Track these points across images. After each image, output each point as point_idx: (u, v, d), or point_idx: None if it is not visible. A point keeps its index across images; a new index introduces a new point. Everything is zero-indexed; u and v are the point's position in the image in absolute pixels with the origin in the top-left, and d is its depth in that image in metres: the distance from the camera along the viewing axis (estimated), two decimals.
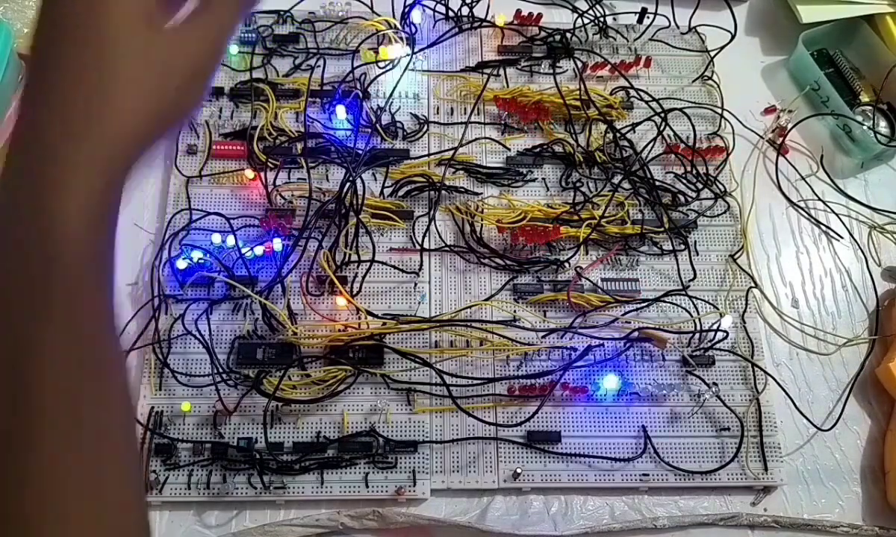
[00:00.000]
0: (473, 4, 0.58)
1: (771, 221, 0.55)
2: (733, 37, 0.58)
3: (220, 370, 0.46)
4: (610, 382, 0.47)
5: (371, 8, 0.58)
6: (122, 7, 0.27)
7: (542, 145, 0.55)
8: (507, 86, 0.57)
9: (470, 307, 0.49)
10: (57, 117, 0.26)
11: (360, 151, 0.53)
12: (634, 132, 0.56)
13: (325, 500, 0.44)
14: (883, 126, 0.58)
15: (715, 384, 0.48)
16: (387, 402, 0.46)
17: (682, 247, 0.52)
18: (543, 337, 0.49)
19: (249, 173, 0.52)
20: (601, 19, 0.59)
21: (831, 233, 0.55)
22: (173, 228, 0.50)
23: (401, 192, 0.53)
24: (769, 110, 0.59)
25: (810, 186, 0.56)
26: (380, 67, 0.56)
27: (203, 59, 0.29)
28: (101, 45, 0.27)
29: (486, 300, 0.50)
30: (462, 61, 0.58)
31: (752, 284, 0.52)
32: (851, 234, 0.55)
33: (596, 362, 0.48)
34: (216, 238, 0.50)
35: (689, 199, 0.54)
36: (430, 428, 0.46)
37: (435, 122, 0.55)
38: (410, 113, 0.56)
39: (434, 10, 0.59)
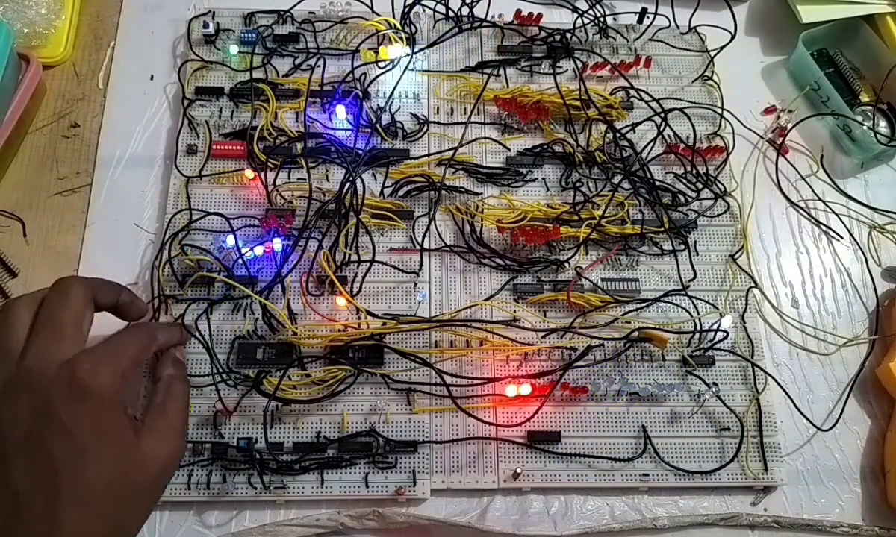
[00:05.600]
0: (473, 4, 0.58)
1: (771, 221, 0.55)
2: (733, 37, 0.58)
3: (220, 370, 0.46)
4: (610, 382, 0.47)
5: (371, 8, 0.58)
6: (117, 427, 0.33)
7: (542, 145, 0.55)
8: (507, 86, 0.57)
9: (470, 307, 0.49)
10: None
11: (360, 151, 0.53)
12: (634, 132, 0.56)
13: (325, 500, 0.44)
14: (883, 126, 0.58)
15: (715, 384, 0.48)
16: (387, 402, 0.46)
17: (682, 247, 0.52)
18: (543, 337, 0.49)
19: (249, 173, 0.52)
20: (601, 19, 0.59)
21: (831, 233, 0.55)
22: (173, 228, 0.50)
23: (401, 192, 0.53)
24: (769, 110, 0.59)
25: (810, 186, 0.56)
26: (380, 67, 0.56)
27: (168, 454, 0.36)
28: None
29: (486, 300, 0.50)
30: (462, 61, 0.58)
31: (752, 284, 0.52)
32: (851, 234, 0.55)
33: (596, 362, 0.48)
34: (216, 238, 0.50)
35: (689, 199, 0.54)
36: (430, 428, 0.46)
37: (435, 122, 0.55)
38: (410, 113, 0.56)
39: (434, 10, 0.59)
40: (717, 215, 0.54)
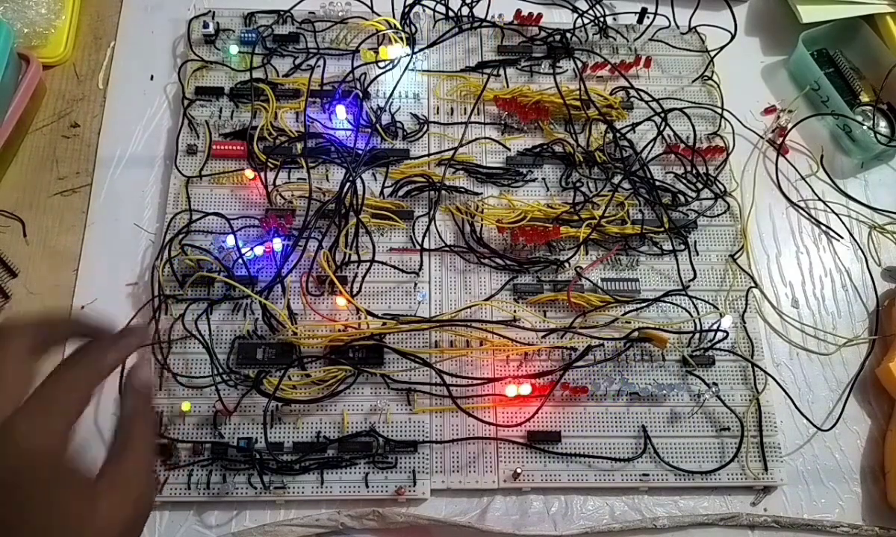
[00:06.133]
0: (473, 4, 0.58)
1: (771, 221, 0.55)
2: (733, 37, 0.58)
3: (220, 370, 0.46)
4: (610, 382, 0.47)
5: (371, 8, 0.58)
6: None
7: (542, 145, 0.55)
8: (507, 86, 0.57)
9: (470, 307, 0.49)
10: None
11: (360, 151, 0.53)
12: (634, 132, 0.56)
13: (325, 500, 0.44)
14: (883, 126, 0.58)
15: (715, 384, 0.48)
16: (387, 402, 0.46)
17: (682, 247, 0.52)
18: (543, 337, 0.49)
19: (249, 173, 0.52)
20: (601, 19, 0.59)
21: (831, 233, 0.55)
22: (173, 229, 0.50)
23: (401, 192, 0.53)
24: (769, 110, 0.59)
25: (810, 186, 0.56)
26: (380, 67, 0.56)
27: (128, 514, 0.30)
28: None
29: (486, 300, 0.50)
30: (462, 61, 0.58)
31: (752, 284, 0.52)
32: (851, 234, 0.55)
33: (596, 362, 0.48)
34: (216, 239, 0.50)
35: (689, 199, 0.54)
36: (430, 428, 0.46)
37: (435, 122, 0.55)
38: (410, 113, 0.56)
39: (434, 10, 0.59)
40: (717, 215, 0.54)
